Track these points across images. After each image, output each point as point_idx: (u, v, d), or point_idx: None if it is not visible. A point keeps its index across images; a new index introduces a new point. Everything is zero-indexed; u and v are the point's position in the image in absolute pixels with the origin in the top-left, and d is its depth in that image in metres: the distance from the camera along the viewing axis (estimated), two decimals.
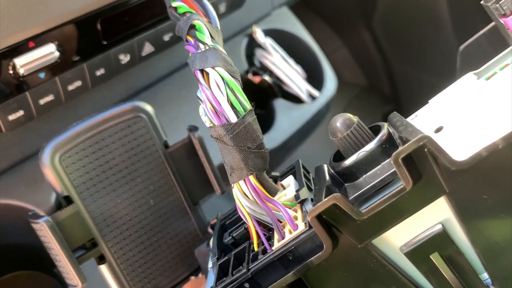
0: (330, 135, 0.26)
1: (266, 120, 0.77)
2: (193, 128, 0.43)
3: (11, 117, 0.46)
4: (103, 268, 0.40)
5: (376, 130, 0.26)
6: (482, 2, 0.27)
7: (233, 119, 0.25)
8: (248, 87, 0.76)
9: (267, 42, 0.77)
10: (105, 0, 0.49)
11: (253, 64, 0.79)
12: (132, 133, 0.40)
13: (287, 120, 0.74)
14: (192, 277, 0.44)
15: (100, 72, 0.52)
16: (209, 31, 0.27)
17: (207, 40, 0.26)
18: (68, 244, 0.38)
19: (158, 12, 0.54)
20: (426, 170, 0.22)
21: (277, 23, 0.82)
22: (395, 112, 0.27)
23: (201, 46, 0.27)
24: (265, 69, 0.78)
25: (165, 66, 0.65)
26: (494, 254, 0.23)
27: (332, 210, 0.22)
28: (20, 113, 0.47)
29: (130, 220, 0.41)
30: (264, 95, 0.77)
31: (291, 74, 0.76)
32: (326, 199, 0.22)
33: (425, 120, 0.27)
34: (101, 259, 0.40)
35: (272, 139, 0.72)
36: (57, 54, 0.47)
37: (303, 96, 0.77)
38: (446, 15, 1.34)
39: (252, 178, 0.25)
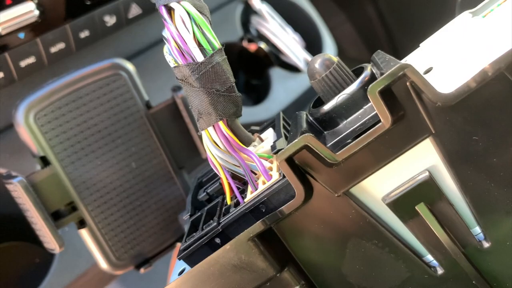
0: (308, 77, 0.24)
1: (262, 89, 0.74)
2: (177, 88, 0.41)
3: None
4: (84, 233, 0.39)
5: (359, 73, 0.24)
6: None
7: (200, 58, 0.23)
8: (243, 55, 0.74)
9: (263, 8, 0.74)
10: None
11: (248, 32, 0.76)
12: (111, 91, 0.38)
13: (284, 89, 0.72)
14: (178, 244, 0.42)
15: (84, 34, 0.50)
16: None
17: None
18: (45, 207, 0.36)
19: None
20: (408, 107, 0.19)
21: None
22: (379, 50, 0.24)
23: None
24: (261, 37, 0.75)
25: (156, 31, 0.63)
26: (486, 204, 0.21)
27: (304, 153, 0.20)
28: (0, 74, 0.45)
29: (111, 183, 0.39)
30: (260, 63, 0.75)
31: (288, 42, 0.73)
32: (297, 139, 0.20)
33: (414, 62, 0.24)
34: (81, 224, 0.39)
35: (268, 109, 0.70)
36: (36, 12, 0.45)
37: (301, 65, 0.74)
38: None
39: (222, 124, 0.23)
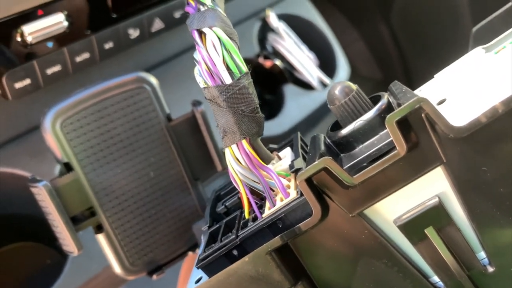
0: (328, 103, 0.25)
1: (276, 105, 0.76)
2: (196, 103, 0.43)
3: (18, 85, 0.47)
4: (100, 238, 0.40)
5: (376, 100, 0.25)
6: None
7: (228, 80, 0.24)
8: (259, 71, 0.76)
9: (280, 26, 0.76)
10: None
11: (265, 48, 0.78)
12: (135, 103, 0.40)
13: (296, 106, 0.73)
14: (190, 253, 0.44)
15: (108, 45, 0.52)
16: None
17: (207, 1, 0.26)
18: (66, 211, 0.38)
19: None
20: (422, 137, 0.21)
21: (291, 8, 0.81)
22: (396, 81, 0.26)
23: (201, 8, 0.26)
24: (277, 54, 0.77)
25: (176, 45, 0.65)
26: (492, 231, 0.22)
27: (323, 175, 0.22)
28: (27, 81, 0.47)
29: (129, 191, 0.40)
30: (274, 80, 0.76)
31: (303, 60, 0.75)
32: (317, 162, 0.21)
33: (428, 93, 0.26)
34: (99, 229, 0.40)
35: (280, 124, 0.71)
36: (65, 24, 0.47)
37: (314, 83, 0.76)
38: (466, 11, 1.32)
39: (245, 142, 0.25)
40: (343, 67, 0.81)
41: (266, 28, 0.78)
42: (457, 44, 1.35)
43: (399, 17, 1.48)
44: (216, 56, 0.24)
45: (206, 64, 0.24)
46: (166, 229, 0.42)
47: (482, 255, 0.24)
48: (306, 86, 0.77)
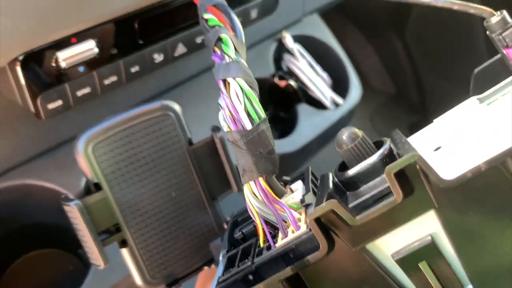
0: (336, 146, 0.28)
1: (289, 123, 0.79)
2: (215, 129, 0.46)
3: (50, 106, 0.50)
4: (124, 252, 0.43)
5: (379, 145, 0.28)
6: (487, 32, 0.29)
7: (248, 126, 0.28)
8: (274, 90, 0.79)
9: (295, 48, 0.80)
10: (144, 2, 0.52)
11: (280, 68, 0.81)
12: (160, 129, 0.43)
13: (309, 125, 0.76)
14: (206, 267, 0.47)
15: (135, 69, 0.56)
16: (234, 45, 0.30)
17: (231, 53, 0.29)
18: (94, 227, 0.41)
19: (192, 16, 0.57)
20: (417, 186, 0.24)
21: (307, 29, 0.84)
22: (397, 129, 0.29)
23: (226, 58, 0.29)
24: (291, 74, 0.80)
25: (196, 66, 0.69)
26: (478, 267, 0.25)
27: (330, 215, 0.25)
28: (59, 102, 0.51)
29: (152, 209, 0.44)
30: (288, 99, 0.80)
31: (316, 81, 0.78)
32: (324, 204, 0.25)
33: (427, 138, 0.29)
34: (123, 243, 0.43)
35: (293, 142, 0.74)
36: (96, 50, 0.50)
37: (327, 102, 0.79)
38: (479, 29, 1.34)
39: (261, 180, 0.28)
40: (355, 87, 0.84)
41: (282, 49, 0.81)
42: (469, 62, 1.37)
43: (413, 33, 1.50)
44: (238, 104, 0.27)
45: (230, 111, 0.27)
46: (184, 245, 0.46)
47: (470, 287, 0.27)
48: (319, 105, 0.80)
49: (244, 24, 0.66)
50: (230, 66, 0.28)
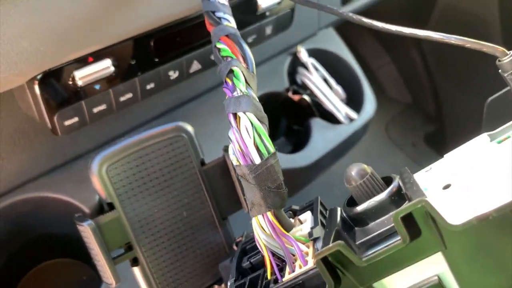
0: (345, 182, 0.28)
1: (303, 136, 0.79)
2: (227, 149, 0.46)
3: (67, 123, 0.51)
4: (136, 270, 0.44)
5: (388, 181, 0.28)
6: (500, 71, 0.29)
7: (257, 160, 0.28)
8: (288, 104, 0.80)
9: (310, 62, 0.80)
10: (159, 22, 0.53)
11: (295, 82, 0.82)
12: (173, 150, 0.44)
13: (322, 139, 0.76)
14: (216, 286, 0.47)
15: (150, 86, 0.56)
16: (245, 78, 0.30)
17: (242, 87, 0.30)
18: (106, 245, 0.42)
19: (206, 34, 0.58)
20: (424, 228, 0.24)
21: (322, 43, 0.84)
22: (406, 167, 0.29)
23: (237, 90, 0.30)
24: (306, 87, 0.80)
25: (210, 81, 0.69)
26: None
27: (337, 254, 0.25)
28: (75, 119, 0.52)
29: (164, 229, 0.44)
30: (302, 112, 0.80)
31: (330, 95, 0.78)
32: (331, 245, 0.25)
33: (436, 175, 0.29)
34: (135, 262, 0.44)
35: (306, 157, 0.74)
36: (112, 68, 0.51)
37: (341, 117, 0.79)
38: (498, 38, 1.32)
39: (269, 214, 0.28)
40: (370, 101, 0.84)
41: (296, 63, 0.81)
42: (486, 73, 1.35)
43: (430, 44, 1.49)
44: (248, 139, 0.28)
45: (239, 145, 0.28)
46: (195, 264, 0.46)
47: None
48: (333, 119, 0.80)
49: (258, 41, 0.67)
50: (241, 100, 0.29)
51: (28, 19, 0.42)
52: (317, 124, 0.77)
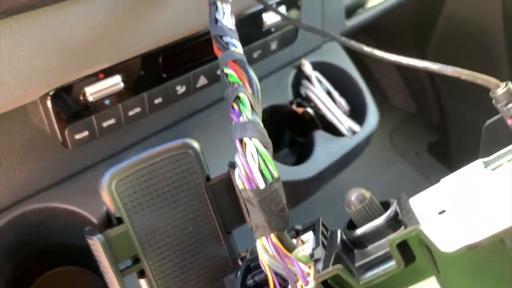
0: (345, 206, 0.30)
1: (306, 147, 0.80)
2: (232, 165, 0.48)
3: (77, 137, 0.53)
4: (143, 282, 0.46)
5: (386, 206, 0.30)
6: (494, 102, 0.30)
7: (262, 185, 0.29)
8: (292, 117, 0.81)
9: (314, 75, 0.81)
10: (168, 39, 0.54)
11: (299, 94, 0.83)
12: (180, 166, 0.45)
13: (325, 151, 0.78)
14: None
15: (158, 100, 0.58)
16: (251, 104, 0.32)
17: (248, 113, 0.31)
18: (115, 258, 0.43)
19: (213, 51, 0.59)
20: (418, 254, 0.25)
21: (326, 56, 0.86)
22: (403, 193, 0.30)
23: (243, 116, 0.31)
24: (309, 100, 0.82)
25: (215, 95, 0.71)
26: None
27: (336, 277, 0.26)
28: (85, 133, 0.53)
29: (170, 242, 0.46)
30: (306, 125, 0.81)
31: (333, 108, 0.80)
32: (331, 268, 0.26)
33: (432, 199, 0.30)
34: (142, 274, 0.45)
35: (309, 169, 0.76)
36: (122, 84, 0.53)
37: (344, 129, 0.80)
38: (503, 52, 1.33)
39: (273, 236, 0.30)
40: (372, 114, 0.85)
41: (301, 75, 0.83)
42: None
43: (434, 51, 1.50)
44: (253, 164, 0.29)
45: (245, 170, 0.29)
46: (199, 276, 0.47)
47: None
48: (336, 131, 0.81)
49: (263, 56, 0.69)
50: (247, 127, 0.30)
51: (43, 38, 0.43)
52: (320, 136, 0.78)
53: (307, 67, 0.81)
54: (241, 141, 0.30)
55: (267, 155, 0.30)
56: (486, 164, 0.31)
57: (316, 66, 0.84)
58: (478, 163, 0.31)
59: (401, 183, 1.51)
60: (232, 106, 0.33)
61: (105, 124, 0.55)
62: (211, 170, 0.48)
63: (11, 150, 0.53)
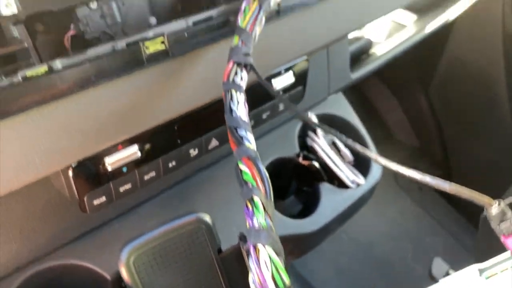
0: None
1: (311, 197, 0.83)
2: (242, 237, 0.50)
3: (96, 202, 0.56)
4: None
5: None
6: (487, 218, 0.33)
7: None
8: (299, 168, 0.84)
9: (319, 128, 0.84)
10: (185, 110, 0.57)
11: (305, 144, 0.86)
12: (192, 241, 0.48)
13: (331, 204, 0.80)
14: None
15: (172, 164, 0.61)
16: (264, 207, 0.34)
17: (261, 219, 0.34)
18: None
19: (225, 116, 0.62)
20: None
21: (331, 107, 0.89)
22: None
23: (255, 220, 0.34)
24: (314, 152, 0.84)
25: (225, 151, 0.73)
26: None
27: None
28: (103, 199, 0.56)
29: None
30: (312, 176, 0.84)
31: (337, 161, 0.82)
32: None
33: None
34: None
35: (315, 222, 0.78)
36: (139, 154, 0.56)
37: (348, 182, 0.83)
38: (503, 93, 1.36)
39: None
40: (376, 165, 0.88)
41: (307, 127, 0.86)
42: (491, 122, 1.39)
43: (437, 92, 1.54)
44: (266, 271, 0.32)
45: (258, 277, 0.32)
46: None
47: None
48: (341, 182, 0.84)
49: (272, 116, 0.72)
50: (261, 234, 0.33)
51: (67, 122, 0.46)
52: (325, 189, 0.81)
53: (313, 120, 0.84)
54: (254, 246, 0.33)
55: (280, 263, 0.32)
56: (481, 272, 0.33)
57: (322, 118, 0.87)
58: (474, 270, 0.33)
59: (405, 219, 1.53)
60: (246, 205, 0.35)
61: (121, 189, 0.57)
62: (219, 221, 0.51)
63: (32, 212, 0.55)
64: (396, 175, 1.66)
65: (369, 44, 1.03)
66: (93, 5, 0.53)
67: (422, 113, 1.65)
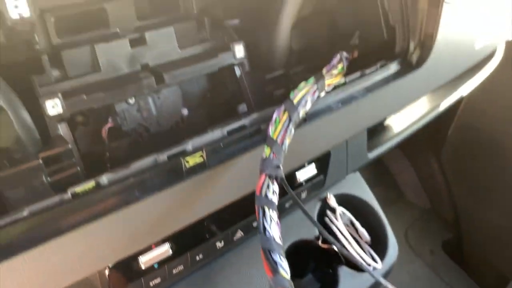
0: None
1: (329, 278, 0.84)
2: None
3: None
4: None
5: None
6: None
7: None
8: (318, 251, 0.85)
9: (338, 210, 0.86)
10: (216, 208, 0.60)
11: (324, 224, 0.88)
12: None
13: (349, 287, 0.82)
14: None
15: (199, 257, 0.63)
16: None
17: None
18: None
19: (250, 210, 0.65)
20: None
21: (349, 188, 0.92)
22: None
23: None
24: (332, 233, 0.86)
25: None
26: None
27: None
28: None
29: None
30: (330, 258, 0.86)
31: (354, 245, 0.84)
32: None
33: None
34: None
35: None
36: (170, 251, 0.59)
37: (365, 265, 0.84)
38: None
39: None
40: (393, 246, 0.89)
41: (326, 206, 0.88)
42: (503, 188, 1.41)
43: (448, 155, 1.56)
44: None
45: None
46: None
47: None
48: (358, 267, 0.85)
49: (293, 206, 0.74)
50: None
51: (114, 232, 0.49)
52: (344, 272, 0.82)
53: (332, 201, 0.87)
54: None
55: None
56: None
57: (340, 198, 0.89)
58: None
59: (416, 283, 1.53)
60: None
61: (151, 284, 0.60)
62: None
63: None
64: (407, 237, 1.66)
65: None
66: (131, 101, 0.57)
67: (433, 175, 1.67)
